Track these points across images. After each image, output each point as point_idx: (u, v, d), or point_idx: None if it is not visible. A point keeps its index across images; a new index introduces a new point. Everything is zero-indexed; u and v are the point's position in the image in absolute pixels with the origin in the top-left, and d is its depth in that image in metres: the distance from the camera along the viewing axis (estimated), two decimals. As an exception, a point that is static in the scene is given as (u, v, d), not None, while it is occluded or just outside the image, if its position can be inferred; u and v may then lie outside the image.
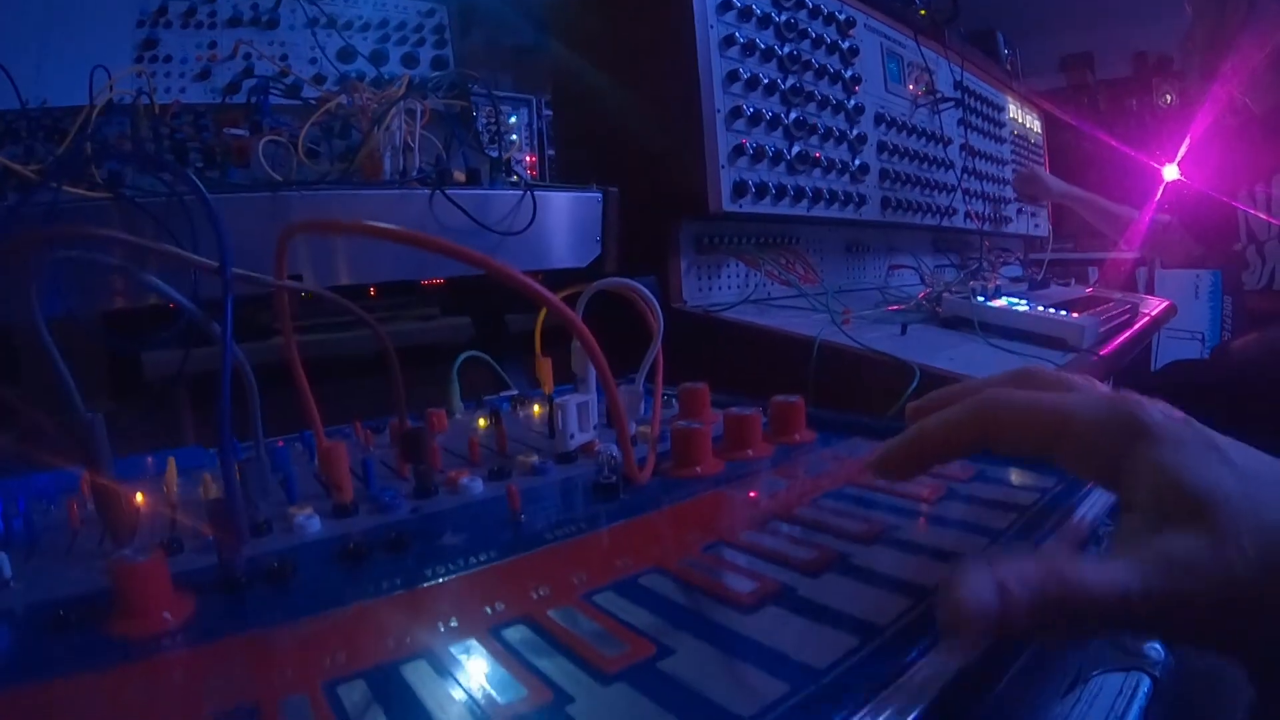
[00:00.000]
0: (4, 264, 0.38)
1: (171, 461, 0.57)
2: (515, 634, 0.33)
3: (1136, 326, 1.54)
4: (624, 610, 0.35)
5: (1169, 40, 4.13)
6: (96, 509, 0.46)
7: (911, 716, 0.27)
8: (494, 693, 0.29)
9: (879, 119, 1.58)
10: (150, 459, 0.64)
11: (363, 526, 0.48)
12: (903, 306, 1.34)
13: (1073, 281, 2.53)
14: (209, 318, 0.45)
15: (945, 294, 1.30)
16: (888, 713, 0.27)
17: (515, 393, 0.79)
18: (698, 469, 0.54)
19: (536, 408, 0.74)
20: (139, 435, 0.83)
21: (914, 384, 0.89)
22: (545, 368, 0.74)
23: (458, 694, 0.29)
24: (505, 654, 0.32)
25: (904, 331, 1.14)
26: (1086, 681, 0.52)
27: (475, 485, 0.53)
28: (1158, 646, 0.61)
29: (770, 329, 1.11)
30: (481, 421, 0.64)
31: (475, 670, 0.31)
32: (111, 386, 0.86)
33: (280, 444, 0.68)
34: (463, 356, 0.74)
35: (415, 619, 0.36)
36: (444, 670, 0.31)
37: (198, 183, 0.45)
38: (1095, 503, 0.46)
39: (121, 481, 0.48)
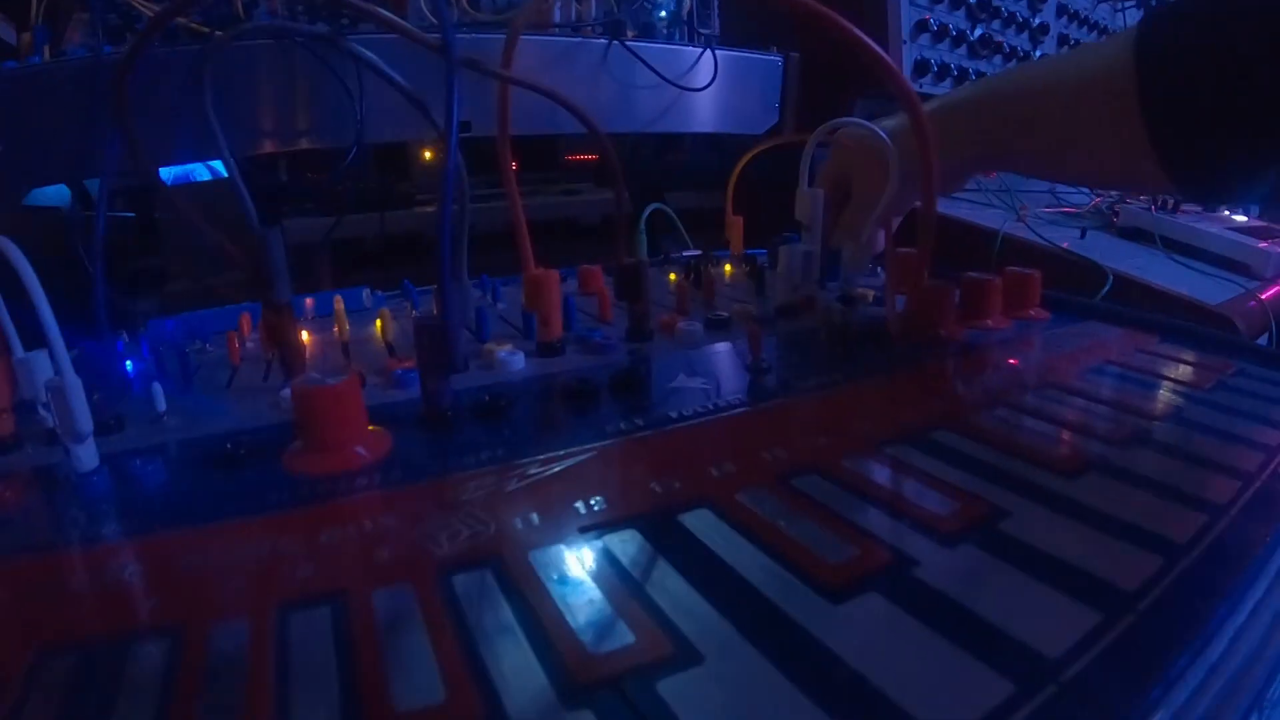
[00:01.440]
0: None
1: (339, 300, 0.53)
2: (811, 484, 0.29)
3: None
4: (931, 466, 0.30)
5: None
6: (264, 338, 0.42)
7: None
8: (814, 549, 0.25)
9: (1061, 10, 1.46)
10: (310, 299, 0.60)
11: (573, 366, 0.44)
12: (1076, 210, 1.26)
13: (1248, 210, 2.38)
14: (417, 94, 0.40)
15: (1122, 204, 1.22)
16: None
17: (700, 251, 0.75)
18: (942, 331, 0.49)
19: (728, 266, 0.69)
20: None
21: (1107, 286, 0.83)
22: (736, 226, 0.69)
23: (764, 549, 0.25)
24: (810, 505, 0.27)
25: (1083, 236, 1.07)
26: None
27: (695, 329, 0.48)
28: None
29: (949, 216, 1.05)
30: (672, 276, 0.60)
31: (781, 522, 0.26)
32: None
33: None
34: (650, 208, 0.69)
35: (677, 464, 0.31)
36: (734, 520, 0.26)
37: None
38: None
39: None
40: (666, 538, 0.26)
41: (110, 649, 0.21)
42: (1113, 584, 0.23)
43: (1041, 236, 0.95)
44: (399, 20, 0.39)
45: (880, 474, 0.30)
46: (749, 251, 0.69)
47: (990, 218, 1.03)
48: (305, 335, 0.48)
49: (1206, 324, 0.72)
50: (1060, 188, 1.47)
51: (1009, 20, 1.31)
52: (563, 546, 0.25)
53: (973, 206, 1.15)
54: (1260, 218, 1.58)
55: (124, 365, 0.43)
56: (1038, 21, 1.38)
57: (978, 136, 0.53)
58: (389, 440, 0.34)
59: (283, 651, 0.20)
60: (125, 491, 0.31)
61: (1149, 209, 1.21)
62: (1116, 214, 1.20)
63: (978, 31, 1.23)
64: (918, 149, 0.45)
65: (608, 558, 0.25)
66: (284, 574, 0.24)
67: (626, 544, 0.25)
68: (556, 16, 0.92)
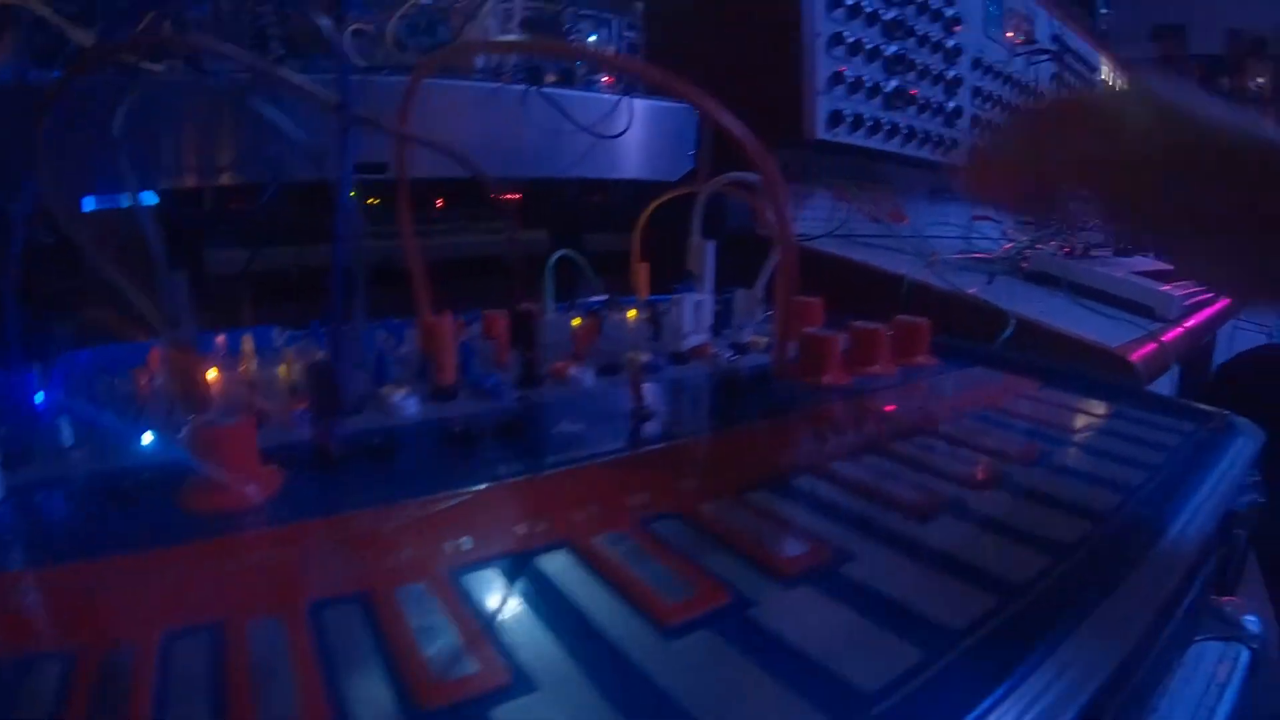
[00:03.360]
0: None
1: (248, 338, 0.53)
2: (668, 528, 0.30)
3: (1218, 304, 1.48)
4: (786, 511, 0.32)
5: (1266, 20, 4.00)
6: (168, 377, 0.42)
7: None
8: (658, 591, 0.25)
9: (976, 63, 1.51)
10: (222, 337, 0.59)
11: (464, 411, 0.45)
12: (987, 256, 1.29)
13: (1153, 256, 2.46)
14: (318, 149, 0.41)
15: (1031, 249, 1.25)
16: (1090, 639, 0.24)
17: (606, 297, 0.76)
18: (826, 378, 0.50)
19: (631, 312, 0.70)
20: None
21: (1008, 331, 0.85)
22: (642, 273, 0.70)
23: (611, 588, 0.26)
24: (662, 548, 0.28)
25: (991, 281, 1.10)
26: (1186, 648, 0.50)
27: (585, 377, 0.49)
28: (1255, 620, 0.58)
29: (859, 263, 1.07)
30: (576, 321, 0.61)
31: (631, 564, 0.27)
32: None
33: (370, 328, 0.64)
34: (556, 255, 0.70)
35: (546, 507, 0.32)
36: (590, 564, 0.27)
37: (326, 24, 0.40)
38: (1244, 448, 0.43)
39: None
40: (523, 577, 0.26)
41: (8, 670, 0.21)
42: (940, 623, 0.24)
43: (948, 282, 0.97)
44: (298, 78, 0.40)
45: (737, 519, 0.30)
46: (653, 297, 0.70)
47: (900, 264, 1.05)
48: (214, 373, 0.48)
49: (1107, 365, 0.75)
50: (974, 233, 1.51)
51: (924, 73, 1.34)
52: (427, 584, 0.26)
53: (886, 253, 1.17)
54: None
55: (34, 398, 0.43)
56: (952, 74, 1.42)
57: None
58: (280, 479, 0.34)
59: (163, 676, 0.21)
60: (27, 523, 0.31)
61: (1056, 255, 1.24)
62: (1026, 259, 1.23)
63: (892, 84, 1.26)
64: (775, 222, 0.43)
65: (467, 595, 0.25)
66: (168, 605, 0.25)
67: (486, 583, 0.26)
68: (478, 62, 0.93)
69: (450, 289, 0.52)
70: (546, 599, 0.25)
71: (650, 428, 0.42)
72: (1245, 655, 0.54)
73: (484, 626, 0.24)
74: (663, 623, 0.24)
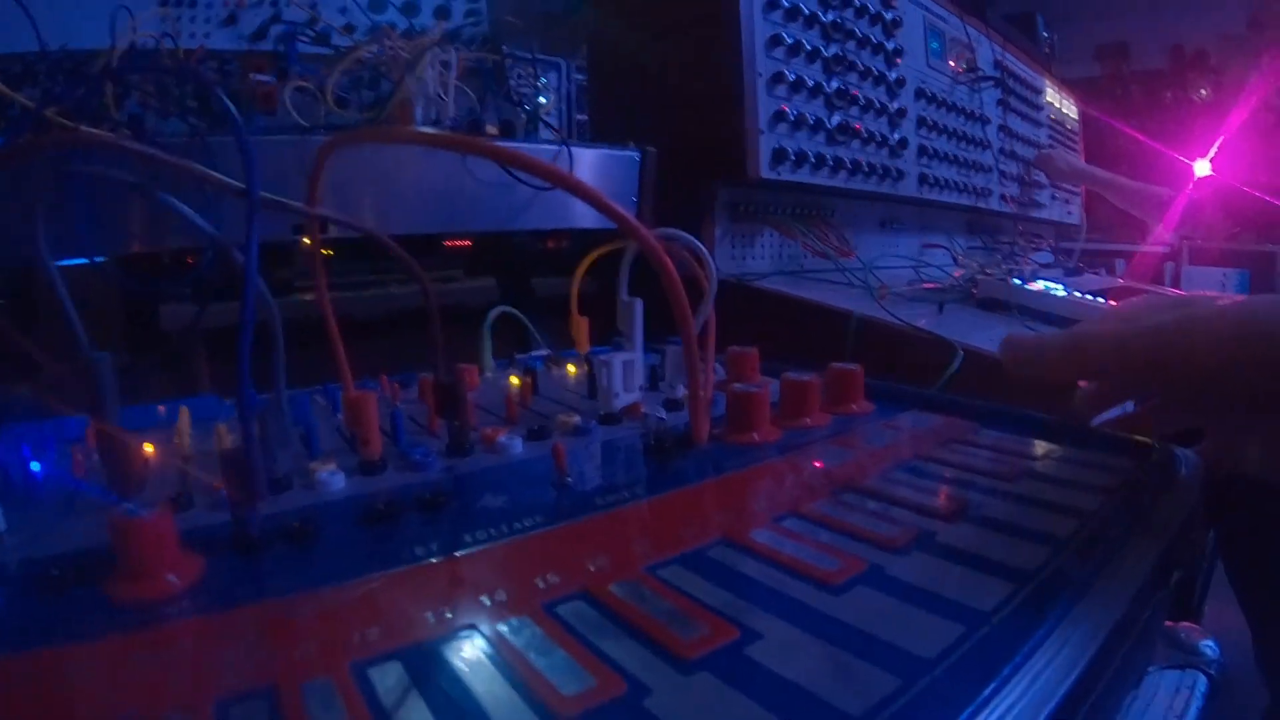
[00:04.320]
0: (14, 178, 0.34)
1: (184, 411, 0.52)
2: (573, 610, 0.29)
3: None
4: (695, 586, 0.31)
5: (1206, 34, 4.08)
6: (100, 458, 0.42)
7: (1045, 713, 0.24)
8: (555, 681, 0.25)
9: (919, 94, 1.53)
10: (162, 408, 0.59)
11: (391, 485, 0.44)
12: (937, 285, 1.30)
13: (1103, 272, 2.49)
14: (230, 243, 0.40)
15: (981, 275, 1.26)
16: (1009, 710, 0.24)
17: (548, 352, 0.75)
18: (755, 435, 0.50)
19: (571, 367, 0.70)
20: (154, 388, 0.79)
21: (956, 363, 0.85)
22: (582, 327, 0.70)
23: (511, 681, 0.25)
24: (564, 634, 0.28)
25: (941, 310, 1.10)
26: (1143, 678, 0.50)
27: (514, 444, 0.49)
28: (1213, 645, 0.58)
29: (806, 300, 1.07)
30: (514, 380, 0.60)
31: (531, 653, 0.27)
32: (128, 338, 0.82)
33: (301, 396, 0.63)
34: (495, 312, 0.70)
35: (456, 591, 0.32)
36: (493, 652, 0.27)
37: (221, 95, 0.40)
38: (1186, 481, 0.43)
39: (131, 431, 0.44)
40: (425, 668, 0.26)
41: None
42: (840, 709, 0.23)
43: (896, 317, 0.97)
44: (205, 170, 0.40)
45: (645, 599, 0.30)
46: (596, 349, 0.70)
47: (849, 298, 1.05)
48: (150, 449, 0.47)
49: (1056, 393, 0.75)
50: (924, 263, 1.52)
51: (867, 106, 1.35)
52: (331, 678, 0.25)
53: (835, 288, 1.18)
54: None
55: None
56: (896, 106, 1.43)
57: None
58: (200, 566, 0.34)
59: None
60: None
61: (1005, 280, 1.24)
62: (976, 285, 1.24)
63: (836, 118, 1.27)
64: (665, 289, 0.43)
65: (366, 689, 0.25)
66: (73, 705, 0.25)
67: (386, 675, 0.26)
68: (418, 115, 0.93)
69: (400, 342, 0.52)
70: (448, 692, 0.25)
71: (570, 500, 0.41)
72: (1203, 682, 0.54)
73: (378, 721, 0.23)
74: (559, 716, 0.23)
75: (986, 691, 0.24)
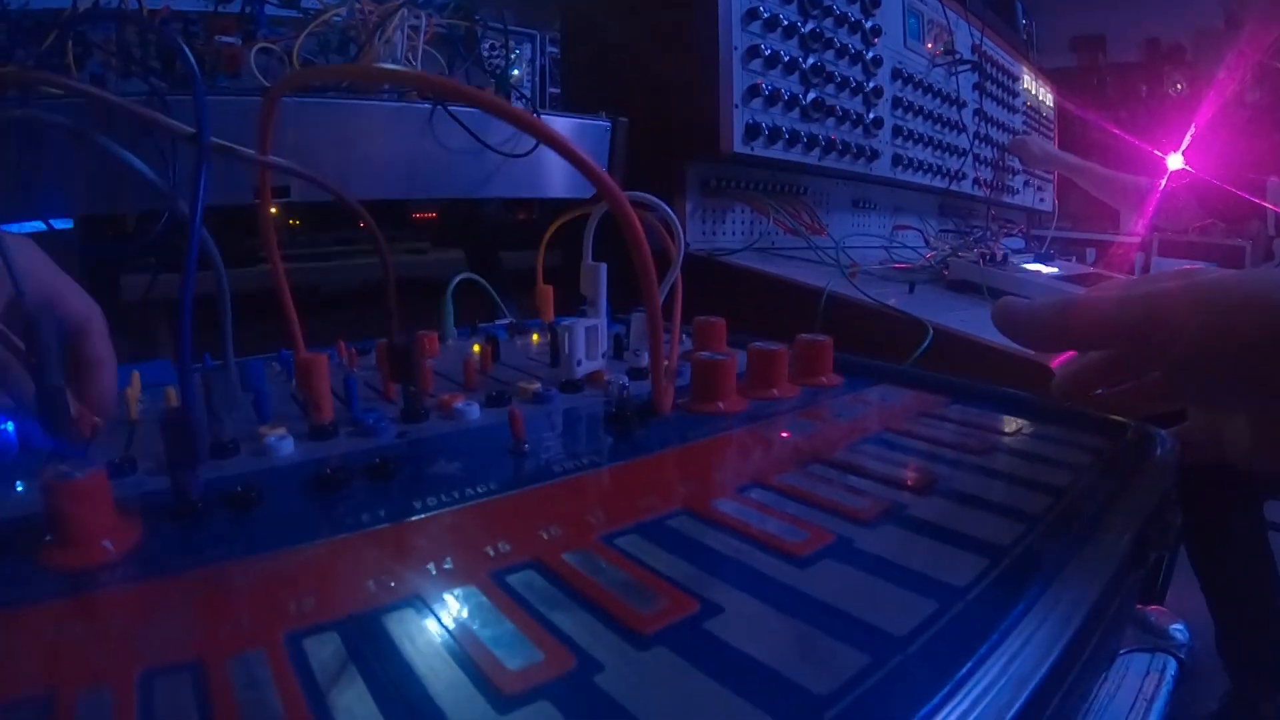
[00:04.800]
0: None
1: (135, 375, 0.51)
2: (524, 580, 0.28)
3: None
4: (654, 557, 0.29)
5: (1183, 28, 4.10)
6: (40, 420, 0.40)
7: (1021, 698, 0.22)
8: (500, 655, 0.23)
9: (896, 74, 1.52)
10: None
11: (342, 450, 0.42)
12: (909, 266, 1.29)
13: (1074, 259, 2.50)
14: (175, 193, 0.38)
15: (952, 258, 1.25)
16: (985, 693, 0.22)
17: (511, 320, 0.74)
18: (720, 404, 0.48)
19: (535, 336, 0.68)
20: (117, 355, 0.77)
21: (927, 342, 0.84)
22: (546, 295, 0.68)
23: (453, 654, 0.23)
24: (513, 605, 0.26)
25: (912, 290, 1.10)
26: (1113, 660, 0.49)
27: (471, 410, 0.47)
28: (1182, 628, 0.58)
29: (777, 276, 1.06)
30: (476, 347, 0.59)
31: (476, 624, 0.25)
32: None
33: (256, 362, 0.61)
34: (457, 278, 0.68)
35: (401, 559, 0.30)
36: (436, 624, 0.25)
37: (180, 43, 0.38)
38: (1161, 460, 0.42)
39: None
40: (364, 640, 0.24)
41: None
42: (803, 687, 0.22)
43: (867, 294, 0.96)
44: (152, 113, 0.37)
45: (600, 570, 0.28)
46: (559, 319, 0.68)
47: (820, 276, 1.04)
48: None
49: (1028, 372, 0.74)
50: (896, 243, 1.51)
51: (843, 84, 1.34)
52: (263, 651, 0.24)
53: (807, 265, 1.17)
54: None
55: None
56: (872, 85, 1.42)
57: None
58: (137, 533, 0.32)
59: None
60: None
61: (978, 262, 1.24)
62: (947, 267, 1.23)
63: (811, 95, 1.26)
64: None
65: (300, 663, 0.23)
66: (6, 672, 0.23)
67: (322, 647, 0.24)
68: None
69: (368, 312, 0.50)
70: (386, 666, 0.23)
71: (526, 466, 0.39)
72: (1173, 666, 0.53)
73: (311, 699, 0.22)
74: (502, 692, 0.22)
75: (963, 671, 0.23)
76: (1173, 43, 4.19)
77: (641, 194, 0.51)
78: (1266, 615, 1.31)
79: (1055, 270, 1.36)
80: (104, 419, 0.44)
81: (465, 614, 0.26)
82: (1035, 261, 1.62)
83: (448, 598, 0.27)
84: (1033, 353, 0.79)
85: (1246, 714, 1.21)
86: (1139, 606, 0.58)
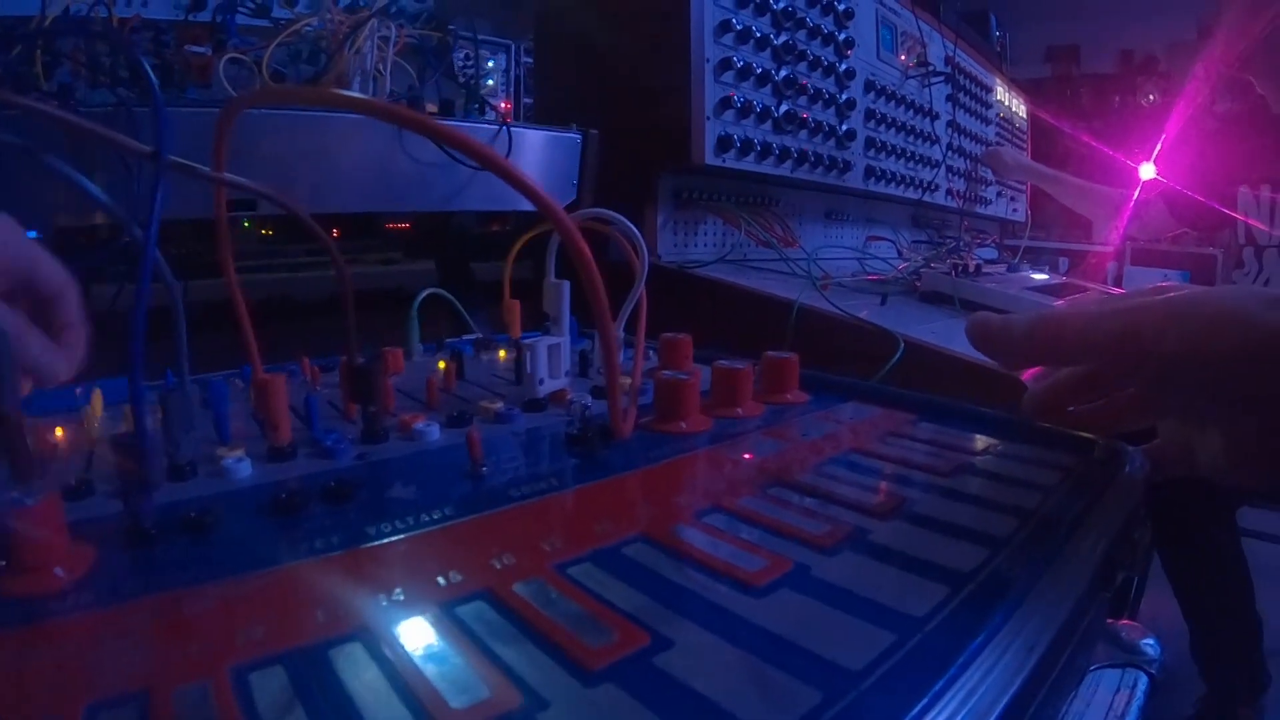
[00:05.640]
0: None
1: (97, 392, 0.50)
2: (474, 612, 0.27)
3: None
4: (606, 587, 0.29)
5: (1156, 39, 4.14)
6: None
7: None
8: (445, 692, 0.23)
9: (869, 86, 1.52)
10: (79, 389, 0.56)
11: (300, 473, 0.42)
12: (881, 278, 1.30)
13: (1047, 269, 2.51)
14: (130, 219, 0.38)
15: (925, 269, 1.26)
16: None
17: (479, 336, 0.73)
18: (683, 424, 0.48)
19: (502, 352, 0.68)
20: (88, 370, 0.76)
21: (898, 355, 0.84)
22: (514, 310, 0.68)
23: (398, 691, 0.23)
24: (463, 639, 0.26)
25: (884, 302, 1.10)
26: (1082, 677, 0.49)
27: (431, 431, 0.46)
28: (1153, 643, 0.58)
29: (748, 289, 1.06)
30: (441, 364, 0.58)
31: (422, 659, 0.24)
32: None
33: (218, 380, 0.60)
34: (424, 293, 0.67)
35: (351, 588, 0.29)
36: (383, 658, 0.25)
37: (138, 56, 0.37)
38: (1131, 478, 0.42)
39: (45, 414, 0.41)
40: (311, 673, 0.24)
41: None
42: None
43: (838, 307, 0.96)
44: (109, 132, 0.37)
45: (550, 602, 0.28)
46: (526, 335, 0.67)
47: (792, 288, 1.04)
48: (59, 433, 0.46)
49: (999, 386, 0.74)
50: (868, 255, 1.52)
51: (816, 96, 1.34)
52: (209, 684, 0.23)
53: (779, 278, 1.16)
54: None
55: None
56: (845, 97, 1.42)
57: None
58: (90, 559, 0.31)
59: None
60: None
61: (950, 273, 1.24)
62: (919, 279, 1.24)
63: (783, 107, 1.26)
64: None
65: (244, 697, 0.23)
66: None
67: (267, 681, 0.23)
68: (354, 90, 0.90)
69: (339, 322, 0.49)
70: (330, 702, 0.22)
71: (483, 490, 0.39)
72: (1144, 681, 0.53)
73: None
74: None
75: (918, 707, 0.22)
76: (1146, 54, 4.23)
77: (601, 210, 0.51)
78: (1241, 620, 1.32)
79: (1029, 279, 1.36)
80: (70, 374, 0.46)
81: (412, 648, 0.25)
82: (1009, 271, 1.63)
83: (397, 631, 0.26)
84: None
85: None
86: (1110, 621, 0.58)
